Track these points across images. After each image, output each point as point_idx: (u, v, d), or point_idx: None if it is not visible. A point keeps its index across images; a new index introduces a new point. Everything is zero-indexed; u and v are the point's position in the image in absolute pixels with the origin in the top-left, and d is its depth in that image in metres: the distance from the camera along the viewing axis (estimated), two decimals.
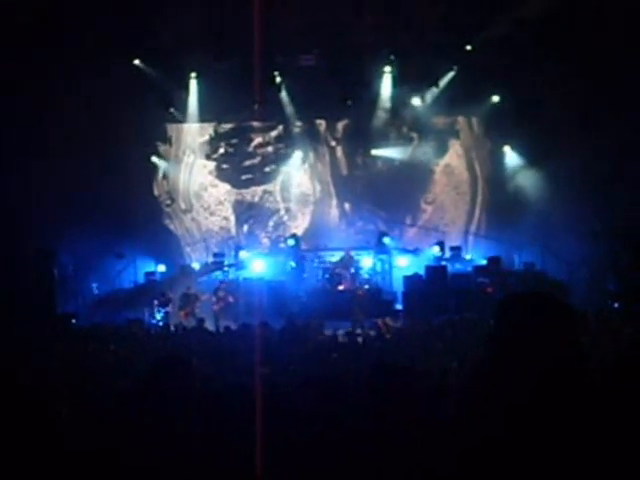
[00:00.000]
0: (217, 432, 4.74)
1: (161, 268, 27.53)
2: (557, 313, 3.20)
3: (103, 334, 17.61)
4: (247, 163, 30.13)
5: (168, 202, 30.06)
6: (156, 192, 29.97)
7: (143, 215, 27.95)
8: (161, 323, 23.71)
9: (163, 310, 24.45)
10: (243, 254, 27.42)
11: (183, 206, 30.21)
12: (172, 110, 28.16)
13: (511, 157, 28.70)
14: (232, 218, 30.36)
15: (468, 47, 26.66)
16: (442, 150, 30.17)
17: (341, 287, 25.77)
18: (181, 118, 28.97)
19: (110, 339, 16.26)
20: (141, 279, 27.03)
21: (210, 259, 28.12)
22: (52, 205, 23.72)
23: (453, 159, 30.33)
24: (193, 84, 27.83)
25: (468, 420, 3.24)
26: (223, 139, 30.14)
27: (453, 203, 30.41)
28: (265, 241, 30.14)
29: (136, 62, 26.56)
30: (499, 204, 28.91)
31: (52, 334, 17.56)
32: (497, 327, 3.28)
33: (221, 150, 30.16)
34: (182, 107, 28.44)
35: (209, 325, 22.28)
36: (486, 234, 29.43)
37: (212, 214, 30.35)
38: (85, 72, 24.23)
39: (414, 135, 29.97)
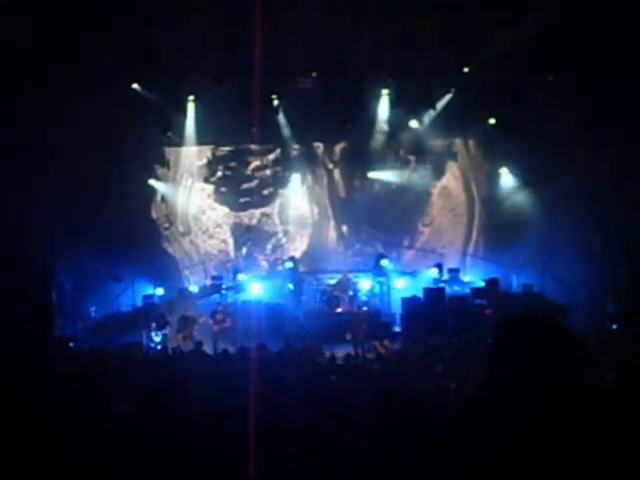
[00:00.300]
0: (214, 453, 4.72)
1: (159, 291, 27.51)
2: (555, 335, 3.19)
3: (101, 357, 17.56)
4: (245, 186, 30.16)
5: (166, 225, 30.09)
6: (154, 215, 29.99)
7: (141, 238, 27.92)
8: (159, 346, 23.64)
9: (161, 333, 24.39)
10: (241, 277, 27.43)
11: (181, 229, 30.23)
12: (170, 133, 28.15)
13: (508, 179, 28.73)
14: (230, 241, 30.39)
15: (465, 69, 26.71)
16: (439, 172, 30.25)
17: (339, 309, 25.77)
18: (179, 141, 28.97)
19: (108, 362, 16.22)
20: (139, 302, 27.01)
21: (208, 282, 28.13)
22: (50, 227, 23.70)
23: (450, 181, 30.38)
24: (191, 107, 27.86)
25: (469, 439, 3.23)
26: (221, 162, 30.18)
27: (450, 225, 30.47)
28: (263, 264, 30.16)
29: (134, 86, 26.57)
30: (496, 226, 28.92)
31: (50, 357, 17.51)
32: (495, 349, 3.26)
33: (219, 173, 30.18)
34: (180, 130, 28.44)
35: (207, 348, 22.25)
36: (484, 256, 29.46)
37: (210, 237, 30.36)
38: (83, 95, 24.30)
39: (411, 158, 30.06)
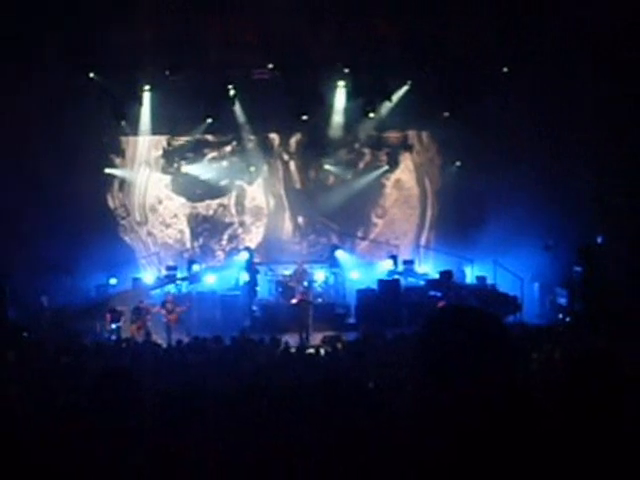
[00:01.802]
0: (166, 442, 4.72)
1: (113, 281, 27.27)
2: (482, 326, 3.19)
3: (54, 347, 17.44)
4: (202, 177, 30.03)
5: (124, 215, 29.94)
6: (111, 205, 29.83)
7: (97, 227, 27.70)
8: (113, 337, 23.49)
9: (115, 324, 24.23)
10: (196, 267, 27.32)
11: (138, 218, 30.09)
12: (125, 123, 28.02)
13: (461, 172, 28.83)
14: (187, 231, 30.31)
15: (423, 62, 26.76)
16: (393, 165, 30.36)
17: (294, 300, 25.73)
18: (135, 131, 28.80)
19: (61, 352, 16.11)
20: (93, 292, 26.80)
21: (163, 272, 28.01)
22: (3, 216, 23.54)
23: (404, 174, 30.53)
24: (146, 97, 27.67)
25: (419, 431, 3.24)
26: (178, 153, 30.03)
27: (404, 217, 30.65)
28: (219, 254, 30.11)
29: (91, 75, 26.35)
30: (449, 218, 29.01)
31: (3, 347, 17.35)
32: (423, 341, 3.27)
33: (176, 164, 30.04)
34: (136, 120, 28.27)
35: (161, 338, 22.21)
36: (437, 248, 29.57)
37: (167, 227, 30.26)
38: (38, 83, 24.15)
39: (366, 150, 30.19)
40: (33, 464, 4.85)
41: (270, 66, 26.79)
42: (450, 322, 3.23)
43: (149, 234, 30.23)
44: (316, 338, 21.71)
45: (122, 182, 29.92)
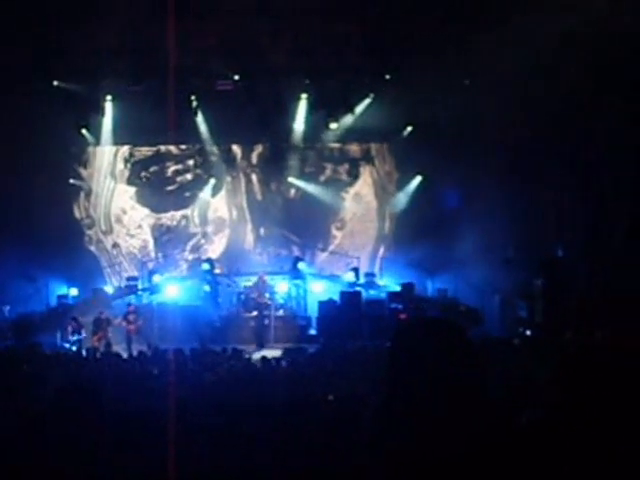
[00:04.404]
0: (127, 454, 4.72)
1: (73, 292, 27.15)
2: (451, 337, 3.23)
3: (15, 357, 17.31)
4: (166, 189, 30.08)
5: (89, 225, 29.93)
6: (77, 215, 29.84)
7: (61, 237, 27.57)
8: (74, 347, 23.37)
9: (76, 334, 24.09)
10: (157, 278, 27.20)
11: (104, 228, 30.10)
12: (88, 133, 28.04)
13: (420, 186, 28.94)
14: (151, 241, 30.29)
15: (387, 76, 26.86)
16: (353, 177, 30.46)
17: (255, 312, 25.70)
18: (98, 141, 28.78)
19: (22, 362, 16.01)
20: (54, 302, 26.66)
21: (124, 283, 27.92)
22: None
23: (363, 187, 30.63)
24: (109, 107, 27.62)
25: (381, 443, 3.25)
26: (142, 165, 30.06)
27: (363, 230, 30.69)
28: (182, 264, 30.09)
29: (55, 83, 26.29)
30: (409, 232, 28.83)
31: None
32: (393, 353, 3.30)
33: (141, 176, 30.07)
34: (97, 130, 28.24)
35: (121, 349, 22.10)
36: (396, 261, 29.52)
37: (132, 237, 30.26)
38: (1, 89, 24.04)
39: (327, 163, 30.30)
40: None
41: (235, 78, 26.79)
42: (416, 333, 3.27)
43: (114, 245, 30.22)
44: (277, 349, 21.71)
45: (88, 192, 29.91)
